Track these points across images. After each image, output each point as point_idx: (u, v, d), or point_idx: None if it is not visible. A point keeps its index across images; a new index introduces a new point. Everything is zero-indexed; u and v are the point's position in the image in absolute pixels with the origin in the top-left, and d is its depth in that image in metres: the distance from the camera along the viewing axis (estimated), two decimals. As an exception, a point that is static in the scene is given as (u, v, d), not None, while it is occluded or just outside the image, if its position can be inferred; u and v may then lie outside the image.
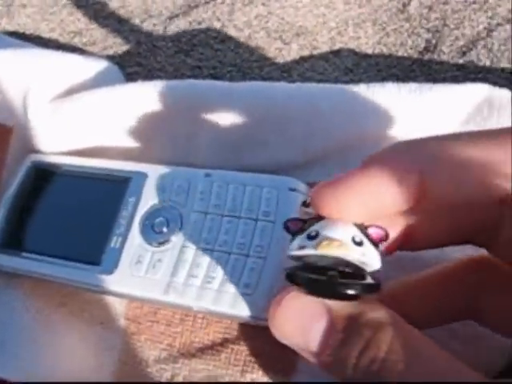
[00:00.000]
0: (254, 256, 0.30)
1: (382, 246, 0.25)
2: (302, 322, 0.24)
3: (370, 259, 0.24)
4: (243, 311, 0.29)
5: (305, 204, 0.28)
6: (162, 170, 0.35)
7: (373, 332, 0.23)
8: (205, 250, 0.31)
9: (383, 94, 0.34)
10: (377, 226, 0.25)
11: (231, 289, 0.30)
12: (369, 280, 0.24)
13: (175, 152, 0.38)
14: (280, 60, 0.44)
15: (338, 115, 0.35)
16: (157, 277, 0.32)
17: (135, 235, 0.33)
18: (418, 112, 0.35)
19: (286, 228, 0.26)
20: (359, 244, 0.24)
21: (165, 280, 0.31)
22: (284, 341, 0.25)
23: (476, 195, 0.24)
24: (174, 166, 0.36)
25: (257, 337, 0.33)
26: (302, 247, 0.24)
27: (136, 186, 0.35)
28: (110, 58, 0.45)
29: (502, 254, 0.27)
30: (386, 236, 0.25)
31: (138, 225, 0.34)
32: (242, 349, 0.33)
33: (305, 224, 0.25)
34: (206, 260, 0.31)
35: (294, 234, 0.25)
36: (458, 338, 0.31)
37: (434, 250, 0.28)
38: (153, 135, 0.38)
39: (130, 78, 0.44)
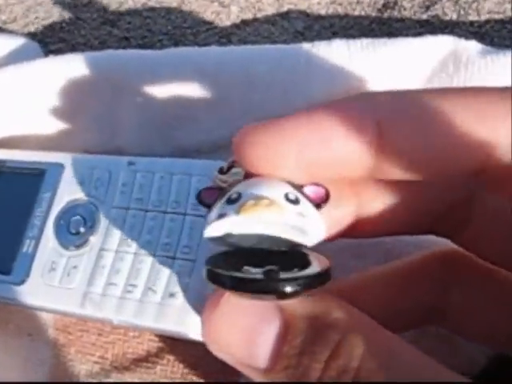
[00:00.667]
0: (182, 258, 0.26)
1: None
2: (245, 327, 0.19)
3: (311, 223, 0.18)
4: (168, 325, 0.25)
5: (222, 171, 0.22)
6: (81, 159, 0.30)
7: (341, 335, 0.18)
8: (125, 253, 0.27)
9: (330, 53, 0.29)
10: (314, 184, 0.19)
11: (155, 298, 0.26)
12: (315, 267, 0.18)
13: (101, 135, 0.33)
14: (218, 24, 0.39)
15: (278, 82, 0.30)
16: (72, 286, 0.27)
17: (49, 238, 0.29)
18: (372, 71, 0.30)
19: (200, 200, 0.20)
20: (294, 202, 0.18)
21: (81, 290, 0.27)
22: (223, 356, 0.20)
23: (444, 163, 0.18)
24: (100, 153, 0.31)
25: (196, 345, 0.28)
26: (220, 216, 0.18)
27: (51, 179, 0.30)
28: (32, 35, 0.40)
29: (472, 245, 0.23)
30: (327, 195, 0.19)
31: (53, 225, 0.29)
32: (180, 359, 0.29)
33: (226, 190, 0.20)
34: (126, 265, 0.27)
35: (210, 207, 0.20)
36: (431, 336, 0.27)
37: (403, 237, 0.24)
38: (74, 117, 0.33)
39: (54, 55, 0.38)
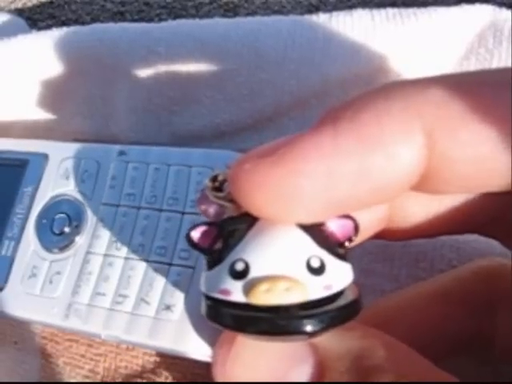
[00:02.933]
0: (179, 265, 0.22)
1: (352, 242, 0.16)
2: (269, 370, 0.15)
3: (339, 282, 0.15)
4: (164, 342, 0.22)
5: (215, 180, 0.17)
6: (67, 148, 0.26)
7: (391, 379, 0.14)
8: (115, 258, 0.23)
9: (351, 25, 0.25)
10: (339, 217, 0.15)
11: (148, 311, 0.22)
12: (342, 300, 0.15)
13: (93, 121, 0.30)
14: (223, -4, 0.34)
15: (291, 58, 0.26)
16: (55, 295, 0.24)
17: (30, 238, 0.25)
18: (399, 47, 0.26)
19: (192, 244, 0.16)
20: (319, 271, 0.14)
21: (65, 300, 0.24)
22: None
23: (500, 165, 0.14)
24: (92, 141, 0.27)
25: (197, 362, 0.25)
26: (224, 291, 0.15)
27: (33, 171, 0.26)
28: (19, 11, 0.36)
29: None
30: (356, 229, 0.16)
31: (34, 224, 0.25)
32: (178, 377, 0.25)
33: (221, 232, 0.16)
34: (116, 272, 0.23)
35: (207, 253, 0.16)
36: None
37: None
38: (62, 101, 0.30)
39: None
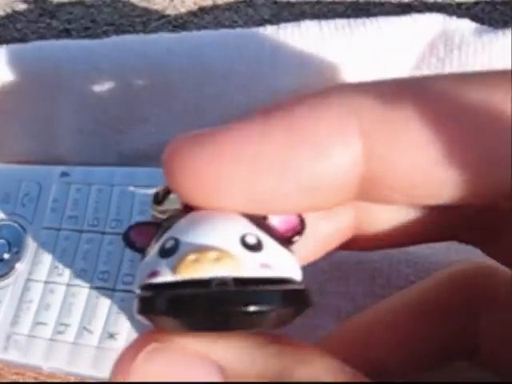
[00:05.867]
0: (123, 290, 0.21)
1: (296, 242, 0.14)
2: None
3: (279, 265, 0.13)
4: (109, 373, 0.20)
5: (157, 198, 0.16)
6: (6, 170, 0.25)
7: None
8: (56, 284, 0.22)
9: (299, 37, 0.25)
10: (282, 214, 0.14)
11: (91, 341, 0.21)
12: (290, 285, 0.13)
13: (36, 143, 0.28)
14: (171, 12, 0.34)
15: (238, 71, 0.25)
16: (-7, 327, 0.22)
17: (-32, 266, 0.24)
18: (349, 58, 0.25)
19: (129, 243, 0.15)
20: (255, 247, 0.13)
21: (3, 331, 0.22)
22: None
23: (465, 185, 0.13)
24: (36, 164, 0.26)
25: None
26: (152, 274, 0.13)
27: (-28, 195, 0.25)
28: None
29: (505, 256, 0.17)
30: (302, 224, 0.14)
31: (-28, 251, 0.24)
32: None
33: (160, 230, 0.14)
34: (57, 299, 0.22)
35: (144, 251, 0.14)
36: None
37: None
38: (4, 122, 0.28)
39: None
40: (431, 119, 0.13)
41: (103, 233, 0.22)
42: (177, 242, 0.13)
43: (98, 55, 0.26)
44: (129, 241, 0.15)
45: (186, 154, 0.13)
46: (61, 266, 0.22)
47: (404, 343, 0.19)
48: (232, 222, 0.13)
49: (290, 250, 0.14)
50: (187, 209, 0.14)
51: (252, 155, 0.13)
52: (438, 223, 0.17)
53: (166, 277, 0.12)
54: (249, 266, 0.12)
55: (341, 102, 0.13)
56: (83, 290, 0.22)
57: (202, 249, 0.12)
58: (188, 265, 0.12)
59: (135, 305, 0.13)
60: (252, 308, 0.12)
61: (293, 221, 0.14)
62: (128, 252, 0.22)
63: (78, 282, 0.22)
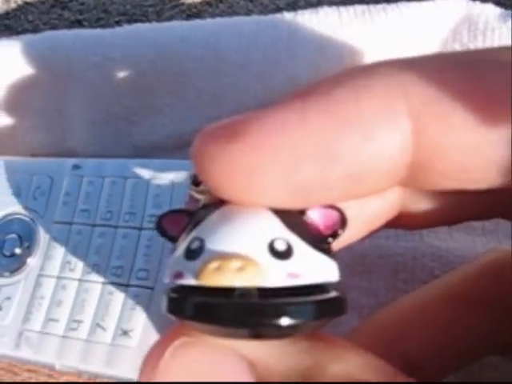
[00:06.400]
0: (137, 285, 0.21)
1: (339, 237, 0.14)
2: None
3: (310, 273, 0.12)
4: (122, 371, 0.20)
5: (196, 180, 0.15)
6: (18, 163, 0.25)
7: None
8: (68, 280, 0.21)
9: (317, 23, 0.24)
10: (323, 206, 0.13)
11: (104, 338, 0.20)
12: (325, 294, 0.13)
13: (49, 135, 0.28)
14: (185, 1, 0.33)
15: (255, 59, 0.24)
16: (5, 323, 0.22)
17: (-21, 262, 0.23)
18: (368, 45, 0.24)
19: (162, 232, 0.14)
20: (284, 255, 0.12)
21: (15, 328, 0.22)
22: None
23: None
24: (49, 156, 0.26)
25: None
26: (177, 274, 0.13)
27: (-18, 189, 0.25)
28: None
29: None
30: (343, 221, 0.13)
31: (-17, 246, 0.24)
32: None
33: (192, 219, 0.14)
34: (69, 295, 0.21)
35: (177, 241, 0.14)
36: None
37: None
38: (17, 115, 0.28)
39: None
40: (485, 98, 0.12)
41: (116, 227, 0.22)
42: (202, 245, 0.12)
43: (109, 44, 0.25)
44: (161, 229, 0.14)
45: (217, 145, 0.12)
46: (73, 261, 0.22)
47: (435, 339, 0.18)
48: (263, 222, 0.13)
49: (325, 249, 0.13)
50: (222, 200, 0.13)
51: (291, 143, 0.12)
52: (486, 201, 0.15)
53: (189, 280, 0.12)
54: (275, 276, 0.12)
55: (386, 79, 0.12)
56: (96, 286, 0.21)
57: (225, 256, 0.12)
58: (210, 273, 0.12)
59: (164, 302, 0.13)
60: (285, 321, 0.12)
61: (333, 216, 0.13)
62: (142, 247, 0.21)
63: (91, 277, 0.21)
